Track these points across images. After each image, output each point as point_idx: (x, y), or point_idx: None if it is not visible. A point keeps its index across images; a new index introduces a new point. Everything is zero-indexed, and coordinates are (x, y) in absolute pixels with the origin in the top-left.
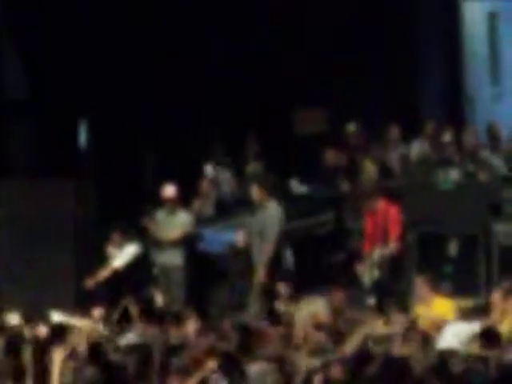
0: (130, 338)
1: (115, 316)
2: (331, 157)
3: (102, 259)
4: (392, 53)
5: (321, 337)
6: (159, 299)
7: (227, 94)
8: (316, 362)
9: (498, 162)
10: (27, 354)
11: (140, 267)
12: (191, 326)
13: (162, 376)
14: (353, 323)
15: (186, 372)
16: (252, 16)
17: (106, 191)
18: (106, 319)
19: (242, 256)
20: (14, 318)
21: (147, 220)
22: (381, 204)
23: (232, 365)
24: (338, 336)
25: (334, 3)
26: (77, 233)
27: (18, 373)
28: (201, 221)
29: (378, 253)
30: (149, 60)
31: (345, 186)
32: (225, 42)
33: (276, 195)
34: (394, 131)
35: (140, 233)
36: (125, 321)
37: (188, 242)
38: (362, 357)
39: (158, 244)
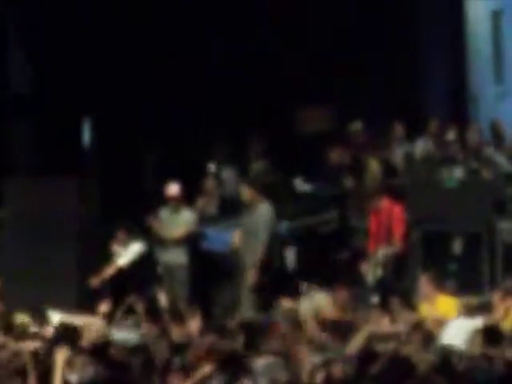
0: (130, 337)
1: (119, 314)
2: (335, 155)
3: (106, 257)
4: (396, 51)
5: (322, 334)
6: (163, 299)
7: (230, 94)
8: (317, 359)
9: (501, 160)
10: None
11: (144, 265)
12: (195, 324)
13: (165, 376)
14: (356, 322)
15: (187, 371)
16: (252, 16)
17: (109, 190)
18: (110, 317)
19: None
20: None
21: (151, 218)
22: (385, 203)
23: (234, 365)
24: (341, 333)
25: (335, 2)
26: (80, 231)
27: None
28: (204, 219)
29: (382, 252)
30: (152, 59)
31: (349, 185)
32: (226, 41)
33: (278, 194)
34: (399, 129)
35: (144, 231)
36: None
37: (192, 241)
38: (366, 355)
39: (162, 242)
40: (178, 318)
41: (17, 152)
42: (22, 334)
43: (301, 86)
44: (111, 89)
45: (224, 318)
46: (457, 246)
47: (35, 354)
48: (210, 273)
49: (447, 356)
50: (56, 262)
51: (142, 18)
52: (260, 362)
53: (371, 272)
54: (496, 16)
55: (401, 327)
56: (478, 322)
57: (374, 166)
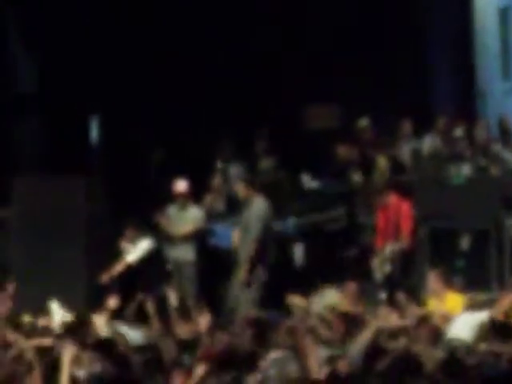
0: (136, 337)
1: (129, 312)
2: (343, 152)
3: (114, 255)
4: (403, 48)
5: (339, 327)
6: (172, 296)
7: (237, 92)
8: (324, 355)
9: (509, 156)
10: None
11: (153, 262)
12: (203, 321)
13: (169, 374)
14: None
15: (190, 370)
16: (252, 16)
17: (117, 188)
18: (118, 313)
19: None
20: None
21: (159, 215)
22: (393, 199)
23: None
24: (352, 326)
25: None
26: (88, 229)
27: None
28: (212, 216)
29: (389, 248)
30: (161, 57)
31: (356, 181)
32: (231, 40)
33: (285, 191)
34: (406, 126)
35: (152, 228)
36: (139, 317)
37: (199, 238)
38: (374, 351)
39: (170, 239)
40: (186, 315)
41: (24, 151)
42: (31, 332)
43: (307, 84)
44: (118, 87)
45: (232, 315)
46: (464, 243)
47: (41, 350)
48: (217, 269)
49: (454, 351)
50: (64, 260)
51: (151, 15)
52: (273, 356)
53: (379, 268)
54: (503, 12)
55: (408, 322)
56: (483, 315)
57: (382, 163)
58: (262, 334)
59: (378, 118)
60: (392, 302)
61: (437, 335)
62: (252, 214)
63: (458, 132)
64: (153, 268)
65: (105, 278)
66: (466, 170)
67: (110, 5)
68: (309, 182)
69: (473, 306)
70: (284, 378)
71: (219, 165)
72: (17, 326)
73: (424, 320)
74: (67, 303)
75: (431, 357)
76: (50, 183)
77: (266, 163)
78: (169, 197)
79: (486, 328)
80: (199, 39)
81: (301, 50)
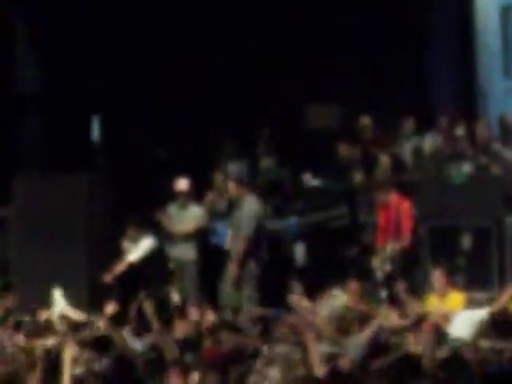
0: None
1: (132, 312)
2: (344, 151)
3: (115, 254)
4: (404, 46)
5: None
6: (175, 297)
7: (238, 91)
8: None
9: (510, 155)
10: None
11: (155, 261)
12: (208, 320)
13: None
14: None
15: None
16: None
17: (118, 186)
18: (116, 318)
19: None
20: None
21: (160, 214)
22: (394, 198)
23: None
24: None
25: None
26: (89, 229)
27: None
28: (214, 215)
29: (390, 246)
30: (161, 57)
31: (358, 180)
32: (231, 40)
33: (287, 190)
34: (408, 123)
35: (154, 227)
36: (141, 318)
37: (201, 236)
38: (375, 349)
39: (171, 238)
40: (187, 314)
41: (26, 150)
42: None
43: (307, 84)
44: (119, 86)
45: (233, 313)
46: (466, 242)
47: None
48: (219, 268)
49: (456, 349)
50: (66, 259)
51: (155, 14)
52: (278, 349)
53: (380, 267)
54: (505, 11)
55: (409, 321)
56: (483, 312)
57: (383, 161)
58: (267, 331)
59: (378, 118)
60: (393, 301)
61: (438, 334)
62: (244, 213)
63: (459, 131)
64: (154, 267)
65: (107, 277)
66: (467, 168)
67: (110, 5)
68: (310, 181)
69: (474, 305)
70: (289, 374)
71: (221, 163)
72: (17, 325)
73: (423, 318)
74: (69, 302)
75: (431, 356)
76: (51, 183)
77: (266, 163)
78: (170, 195)
79: (486, 325)
80: (199, 39)
81: (301, 50)
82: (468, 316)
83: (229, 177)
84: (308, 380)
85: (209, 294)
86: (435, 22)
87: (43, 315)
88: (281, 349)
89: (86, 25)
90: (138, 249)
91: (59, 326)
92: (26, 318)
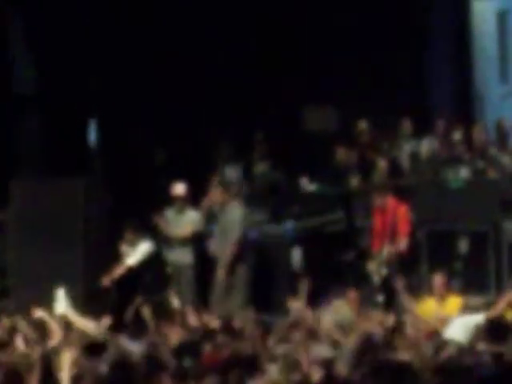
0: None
1: (128, 316)
2: (342, 154)
3: (113, 258)
4: (401, 51)
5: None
6: (175, 301)
7: (235, 94)
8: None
9: (506, 160)
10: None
11: (153, 265)
12: (212, 324)
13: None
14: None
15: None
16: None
17: (116, 190)
18: (116, 319)
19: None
20: None
21: (157, 217)
22: (391, 202)
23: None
24: None
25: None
26: (87, 232)
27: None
28: (210, 219)
29: (386, 250)
30: (159, 60)
31: (355, 184)
32: (228, 42)
33: (283, 194)
34: (407, 125)
35: (151, 231)
36: (138, 321)
37: (197, 241)
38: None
39: (168, 242)
40: (185, 318)
41: (23, 153)
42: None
43: (305, 86)
44: (117, 89)
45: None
46: (463, 246)
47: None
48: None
49: (452, 353)
50: (63, 262)
51: (150, 17)
52: (280, 349)
53: (376, 271)
54: (502, 15)
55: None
56: (479, 317)
57: (381, 166)
58: (266, 335)
59: (376, 120)
60: (389, 305)
61: (434, 338)
62: (230, 218)
63: (456, 135)
64: (152, 271)
65: (105, 281)
66: (464, 173)
67: (109, 6)
68: (307, 185)
69: (471, 309)
70: (287, 374)
71: (218, 167)
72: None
73: (397, 331)
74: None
75: (429, 361)
76: (48, 186)
77: (261, 168)
78: (167, 199)
79: (482, 329)
80: (198, 41)
81: (301, 50)
82: (464, 320)
83: (226, 180)
84: None
85: (206, 298)
86: (434, 23)
87: (37, 315)
88: (282, 349)
89: (84, 26)
90: (136, 252)
91: (54, 326)
92: (24, 321)
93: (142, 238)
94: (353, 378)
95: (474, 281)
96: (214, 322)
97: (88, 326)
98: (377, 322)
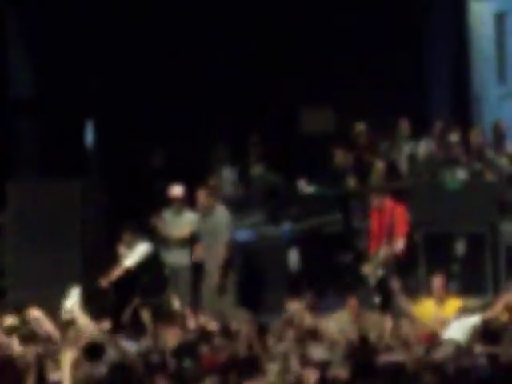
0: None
1: (126, 317)
2: (340, 156)
3: (110, 259)
4: (399, 52)
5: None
6: (176, 303)
7: (232, 95)
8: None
9: (503, 162)
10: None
11: (150, 267)
12: (210, 327)
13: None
14: None
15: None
16: (252, 16)
17: (113, 191)
18: (114, 321)
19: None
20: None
21: (155, 219)
22: (388, 203)
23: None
24: None
25: (337, 2)
26: (84, 233)
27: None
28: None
29: (383, 251)
30: (154, 60)
31: (353, 186)
32: (231, 41)
33: (281, 196)
34: (405, 125)
35: (149, 232)
36: (135, 322)
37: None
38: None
39: (166, 243)
40: (183, 319)
41: (20, 155)
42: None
43: (306, 86)
44: (114, 90)
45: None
46: (460, 248)
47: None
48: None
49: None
50: (60, 263)
51: (147, 18)
52: (279, 348)
53: (372, 273)
54: (500, 17)
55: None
56: (476, 318)
57: (378, 167)
58: (262, 337)
59: (374, 121)
60: (386, 307)
61: (432, 340)
62: (219, 221)
63: (453, 137)
64: (150, 272)
65: (103, 282)
66: (461, 174)
67: (107, 6)
68: (305, 186)
69: (468, 311)
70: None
71: (216, 168)
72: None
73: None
74: (62, 306)
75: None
76: (45, 187)
77: (258, 170)
78: (165, 201)
79: (479, 330)
80: (197, 41)
81: (301, 50)
82: (461, 322)
83: (223, 181)
84: None
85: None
86: (434, 23)
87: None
88: (281, 347)
89: (82, 26)
90: (134, 254)
91: (50, 327)
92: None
93: (140, 240)
94: (348, 380)
95: (471, 282)
96: (212, 324)
97: (89, 326)
98: (373, 324)
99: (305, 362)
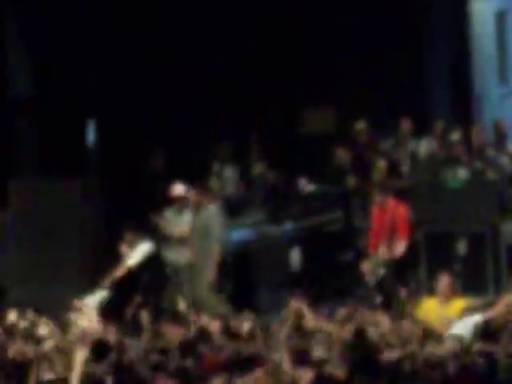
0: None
1: (128, 314)
2: (341, 155)
3: (111, 258)
4: (400, 51)
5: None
6: (182, 304)
7: (234, 94)
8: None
9: (504, 161)
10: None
11: (152, 266)
12: (214, 325)
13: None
14: None
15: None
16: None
17: (114, 190)
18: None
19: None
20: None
21: (156, 218)
22: (390, 202)
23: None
24: None
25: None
26: (84, 232)
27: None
28: None
29: (383, 250)
30: (155, 60)
31: (354, 184)
32: (231, 41)
33: (282, 195)
34: (406, 124)
35: (150, 231)
36: (136, 321)
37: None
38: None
39: (167, 241)
40: (182, 318)
41: (21, 154)
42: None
43: (305, 86)
44: (115, 90)
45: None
46: (461, 247)
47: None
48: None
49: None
50: (60, 261)
51: (148, 17)
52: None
53: (371, 271)
54: (500, 16)
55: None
56: (477, 317)
57: (380, 166)
58: (263, 336)
59: (374, 122)
60: (386, 306)
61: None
62: (210, 219)
63: (455, 136)
64: (152, 272)
65: (106, 282)
66: (462, 173)
67: (107, 6)
68: (305, 185)
69: (469, 310)
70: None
71: (215, 167)
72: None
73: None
74: (61, 305)
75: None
76: (46, 187)
77: (258, 169)
78: (165, 200)
79: (480, 329)
80: (198, 42)
81: (301, 50)
82: (463, 321)
83: (224, 180)
84: None
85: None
86: (434, 23)
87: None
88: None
89: (82, 26)
90: (136, 253)
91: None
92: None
93: (142, 239)
94: (345, 379)
95: (472, 282)
96: (213, 324)
97: (95, 326)
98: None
99: (303, 360)
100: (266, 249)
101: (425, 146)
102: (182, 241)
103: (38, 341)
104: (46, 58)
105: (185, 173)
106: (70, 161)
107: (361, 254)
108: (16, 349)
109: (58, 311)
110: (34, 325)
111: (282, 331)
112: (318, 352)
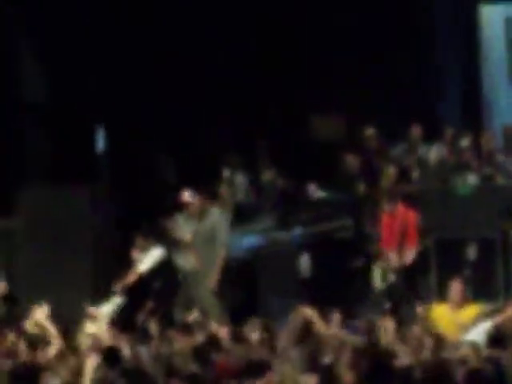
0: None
1: (140, 320)
2: (351, 161)
3: (121, 265)
4: (409, 58)
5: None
6: (193, 310)
7: (242, 100)
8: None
9: None
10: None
11: (164, 272)
12: (222, 331)
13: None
14: None
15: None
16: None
17: (124, 197)
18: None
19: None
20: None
21: (167, 222)
22: (400, 208)
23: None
24: None
25: (342, 3)
26: (94, 239)
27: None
28: None
29: (393, 256)
30: (168, 67)
31: (364, 191)
32: (227, 42)
33: (292, 201)
34: (416, 131)
35: (161, 237)
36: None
37: None
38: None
39: (178, 246)
40: (192, 324)
41: (30, 161)
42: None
43: (317, 91)
44: (124, 96)
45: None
46: (471, 253)
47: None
48: (224, 278)
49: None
50: (71, 269)
51: (154, 21)
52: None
53: (381, 277)
54: (510, 21)
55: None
56: (487, 324)
57: (390, 172)
58: (273, 340)
59: (383, 128)
60: (395, 312)
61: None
62: (215, 223)
63: (464, 142)
64: (163, 277)
65: (118, 287)
66: (472, 179)
67: (107, 10)
68: (315, 191)
69: (482, 316)
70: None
71: (226, 174)
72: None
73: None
74: (73, 312)
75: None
76: (56, 193)
77: (268, 175)
78: (175, 206)
79: (490, 335)
80: (201, 45)
81: (301, 50)
82: (475, 327)
83: (235, 186)
84: None
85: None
86: (441, 34)
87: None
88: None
89: (92, 33)
90: (148, 259)
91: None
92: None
93: (154, 245)
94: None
95: (482, 288)
96: (223, 331)
97: (104, 334)
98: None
99: (312, 366)
100: (276, 255)
101: (435, 152)
102: (187, 246)
103: (48, 347)
104: (56, 66)
105: (194, 179)
106: (79, 167)
107: (371, 261)
108: (27, 355)
109: (70, 318)
110: (43, 332)
111: (290, 337)
112: (327, 358)
